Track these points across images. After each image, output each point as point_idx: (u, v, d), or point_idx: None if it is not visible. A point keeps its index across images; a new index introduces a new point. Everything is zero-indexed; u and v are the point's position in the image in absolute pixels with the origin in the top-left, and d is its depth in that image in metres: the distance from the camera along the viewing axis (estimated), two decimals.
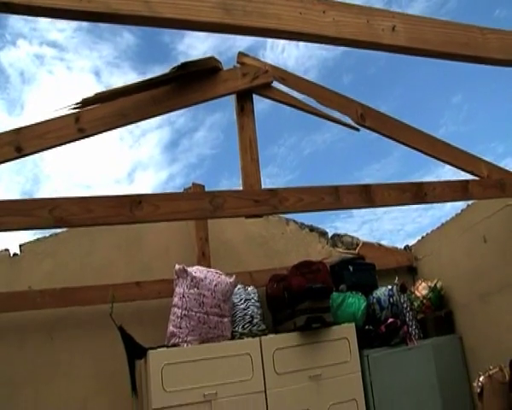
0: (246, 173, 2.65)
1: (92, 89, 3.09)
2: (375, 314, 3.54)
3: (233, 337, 3.17)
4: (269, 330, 3.32)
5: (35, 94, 5.48)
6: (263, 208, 2.45)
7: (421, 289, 3.86)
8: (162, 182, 6.45)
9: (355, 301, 3.47)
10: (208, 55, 2.58)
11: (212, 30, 1.64)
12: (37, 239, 3.49)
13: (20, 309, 3.19)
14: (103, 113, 2.39)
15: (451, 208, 3.82)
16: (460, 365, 3.64)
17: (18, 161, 2.26)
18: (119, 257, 3.61)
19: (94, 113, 2.38)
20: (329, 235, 4.34)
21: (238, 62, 2.78)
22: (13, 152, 2.20)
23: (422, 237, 4.22)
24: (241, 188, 2.64)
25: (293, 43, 5.05)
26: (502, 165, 3.09)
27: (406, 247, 4.41)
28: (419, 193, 2.69)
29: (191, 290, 3.02)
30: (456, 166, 3.02)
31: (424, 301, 3.80)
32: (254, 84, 2.74)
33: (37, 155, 2.30)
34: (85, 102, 2.30)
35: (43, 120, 2.28)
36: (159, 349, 2.86)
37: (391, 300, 3.58)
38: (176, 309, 3.01)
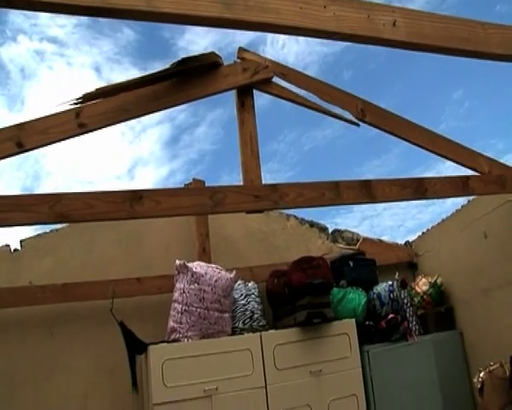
0: (246, 169, 2.65)
1: (93, 85, 3.09)
2: (375, 310, 3.55)
3: (233, 333, 3.17)
4: (269, 326, 3.32)
5: (35, 90, 5.49)
6: (263, 204, 2.45)
7: (422, 284, 3.86)
8: (163, 178, 6.46)
9: (355, 297, 3.47)
10: (209, 50, 2.58)
11: (211, 24, 1.64)
12: (38, 235, 3.50)
13: (21, 305, 3.20)
14: (105, 108, 2.39)
15: (452, 204, 3.83)
16: (460, 360, 3.64)
17: (19, 156, 2.26)
18: (119, 253, 3.61)
19: (95, 108, 2.38)
20: (330, 230, 4.33)
21: (238, 58, 2.78)
22: (14, 147, 2.20)
23: (423, 233, 4.22)
24: (241, 183, 2.64)
25: (294, 38, 5.05)
26: (502, 161, 3.08)
27: (407, 243, 4.40)
28: (419, 189, 2.69)
29: (192, 286, 3.02)
30: (457, 162, 3.01)
31: (424, 296, 3.80)
32: (255, 79, 2.74)
33: (38, 152, 2.32)
34: (87, 97, 2.30)
35: (43, 115, 2.28)
36: (159, 345, 2.86)
37: (391, 295, 3.57)
38: (176, 305, 3.02)
